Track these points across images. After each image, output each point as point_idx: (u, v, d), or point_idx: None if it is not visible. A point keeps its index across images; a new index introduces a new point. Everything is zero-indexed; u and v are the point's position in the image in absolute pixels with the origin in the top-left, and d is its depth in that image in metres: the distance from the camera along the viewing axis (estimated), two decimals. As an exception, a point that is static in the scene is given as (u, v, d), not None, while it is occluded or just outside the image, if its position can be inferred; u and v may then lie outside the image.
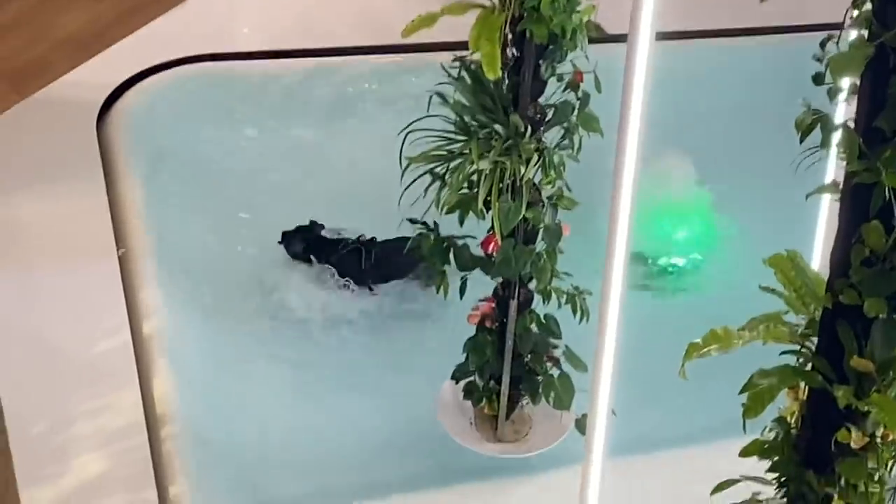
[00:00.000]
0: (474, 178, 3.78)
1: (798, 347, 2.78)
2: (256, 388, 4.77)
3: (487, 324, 4.19)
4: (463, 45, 3.65)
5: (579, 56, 3.74)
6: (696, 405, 4.30)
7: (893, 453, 2.78)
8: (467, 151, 3.75)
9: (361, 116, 5.92)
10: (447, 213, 3.85)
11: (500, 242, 3.88)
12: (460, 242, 4.03)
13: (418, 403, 4.54)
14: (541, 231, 3.93)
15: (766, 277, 2.86)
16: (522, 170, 3.75)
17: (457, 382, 4.31)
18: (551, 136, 3.87)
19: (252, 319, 5.10)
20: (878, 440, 2.75)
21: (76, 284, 4.54)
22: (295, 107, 5.87)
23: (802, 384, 2.80)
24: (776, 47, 6.19)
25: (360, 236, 5.34)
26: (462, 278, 4.06)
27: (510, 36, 3.64)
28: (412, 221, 4.56)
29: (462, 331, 4.25)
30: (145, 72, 5.55)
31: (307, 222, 5.35)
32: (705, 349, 2.71)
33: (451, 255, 4.03)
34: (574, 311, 4.00)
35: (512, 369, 4.17)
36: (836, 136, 2.56)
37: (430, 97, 3.84)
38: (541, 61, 3.72)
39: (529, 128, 3.76)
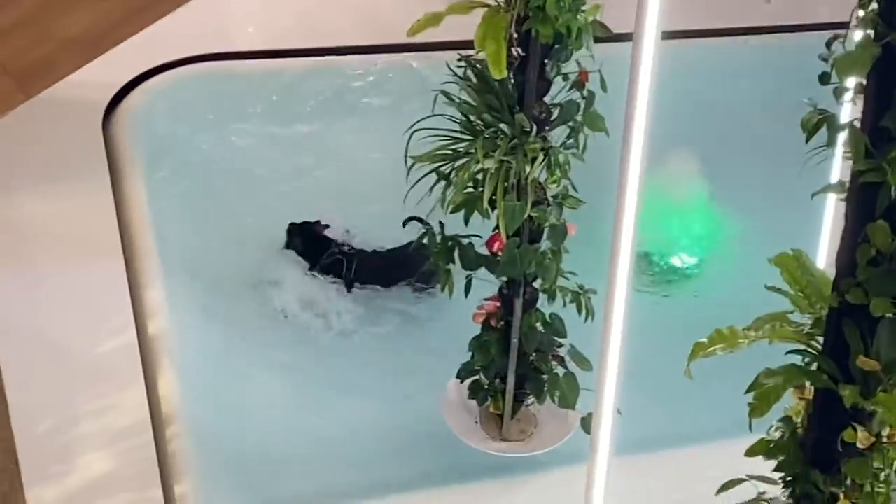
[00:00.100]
0: (479, 177, 3.78)
1: (804, 347, 2.78)
2: (261, 387, 4.78)
3: (492, 323, 4.18)
4: (468, 45, 3.65)
5: (585, 55, 3.73)
6: (701, 404, 4.29)
7: (900, 453, 2.79)
8: (472, 150, 3.74)
9: (364, 115, 5.93)
10: (452, 212, 3.84)
11: (505, 241, 3.88)
12: (465, 241, 4.03)
13: (423, 403, 4.54)
14: (546, 230, 3.93)
15: (771, 277, 2.86)
16: (528, 169, 3.74)
17: (462, 381, 4.30)
18: (557, 135, 3.86)
19: (257, 319, 5.11)
20: (885, 440, 2.75)
21: (81, 284, 4.54)
22: (298, 106, 5.88)
23: (808, 384, 2.80)
24: (782, 47, 6.18)
25: (343, 245, 5.35)
26: (467, 277, 4.05)
27: (516, 35, 3.63)
28: (414, 220, 4.58)
29: (462, 331, 4.25)
30: (150, 71, 5.55)
31: (315, 220, 5.37)
32: (711, 349, 2.71)
33: (456, 254, 4.02)
34: (579, 311, 3.99)
35: (517, 368, 4.17)
36: (843, 136, 2.57)
37: (436, 96, 3.83)
38: (546, 60, 3.72)
39: (535, 127, 3.76)
